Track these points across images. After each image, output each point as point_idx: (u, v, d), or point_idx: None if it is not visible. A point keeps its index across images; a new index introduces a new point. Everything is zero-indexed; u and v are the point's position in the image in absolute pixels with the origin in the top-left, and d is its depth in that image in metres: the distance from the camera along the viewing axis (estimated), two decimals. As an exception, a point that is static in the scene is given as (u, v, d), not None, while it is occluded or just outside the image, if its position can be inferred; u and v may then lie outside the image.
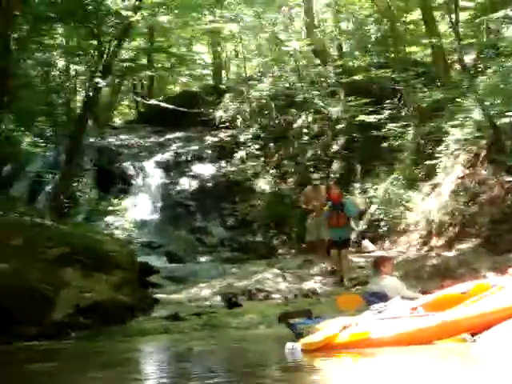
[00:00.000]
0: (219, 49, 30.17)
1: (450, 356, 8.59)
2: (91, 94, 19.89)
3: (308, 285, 15.77)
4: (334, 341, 9.07)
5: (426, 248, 17.97)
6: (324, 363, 8.77)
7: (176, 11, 23.52)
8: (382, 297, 10.05)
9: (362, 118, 21.05)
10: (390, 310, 9.45)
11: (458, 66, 21.56)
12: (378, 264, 10.99)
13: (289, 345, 9.29)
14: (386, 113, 20.85)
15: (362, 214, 19.68)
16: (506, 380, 7.12)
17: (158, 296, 15.20)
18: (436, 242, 17.90)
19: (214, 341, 11.31)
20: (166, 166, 24.82)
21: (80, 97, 23.50)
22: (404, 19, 23.57)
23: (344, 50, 26.23)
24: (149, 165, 24.76)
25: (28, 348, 11.11)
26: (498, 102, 17.07)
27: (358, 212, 18.36)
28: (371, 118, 20.76)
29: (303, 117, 24.07)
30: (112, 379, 8.53)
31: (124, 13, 19.48)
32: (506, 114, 16.48)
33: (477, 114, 17.53)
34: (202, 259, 21.02)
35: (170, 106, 26.88)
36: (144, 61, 29.12)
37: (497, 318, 8.94)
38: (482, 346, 8.66)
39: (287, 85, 25.07)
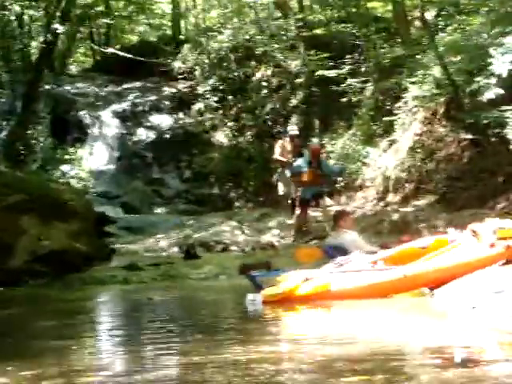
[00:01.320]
0: (178, -2, 29.72)
1: (408, 309, 8.69)
2: (49, 40, 19.51)
3: (266, 238, 15.82)
4: (294, 292, 9.12)
5: (382, 204, 18.09)
6: (284, 314, 8.83)
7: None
8: (342, 250, 10.11)
9: (321, 72, 20.93)
10: (351, 264, 9.52)
11: (418, 23, 21.57)
12: (338, 218, 11.06)
13: (250, 296, 9.33)
14: (346, 68, 20.76)
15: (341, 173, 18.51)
16: (462, 333, 7.24)
17: (115, 246, 15.13)
18: (392, 198, 18.03)
19: (173, 291, 11.33)
20: (122, 116, 24.58)
21: (37, 43, 23.03)
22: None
23: (305, 4, 26.00)
24: (105, 114, 24.50)
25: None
26: (458, 59, 17.13)
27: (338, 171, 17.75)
28: (331, 73, 20.65)
29: (262, 70, 23.93)
30: (69, 326, 8.49)
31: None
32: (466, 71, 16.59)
33: (436, 71, 17.58)
34: (158, 211, 21.00)
35: (128, 55, 26.51)
36: (102, 8, 28.67)
37: (455, 272, 9.07)
38: (440, 301, 8.78)
39: (247, 37, 24.83)
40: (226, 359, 5.78)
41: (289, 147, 16.97)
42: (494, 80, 14.98)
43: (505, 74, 14.42)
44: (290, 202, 16.73)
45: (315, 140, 19.78)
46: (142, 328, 8.30)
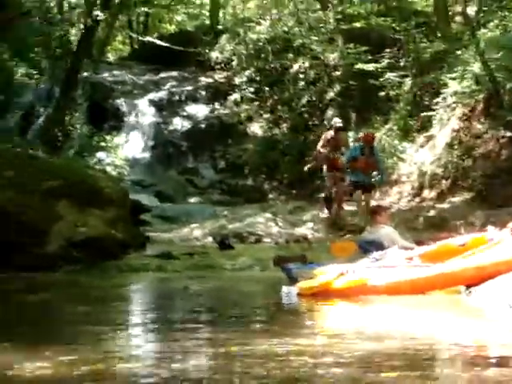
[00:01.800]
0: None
1: (445, 306, 8.64)
2: (89, 25, 19.57)
3: (299, 230, 15.79)
4: (330, 286, 9.08)
5: (417, 199, 17.99)
6: (320, 308, 8.80)
7: None
8: (378, 245, 10.06)
9: (360, 66, 20.84)
10: (388, 259, 9.47)
11: (459, 18, 21.41)
12: (375, 213, 11.01)
13: (285, 288, 9.32)
14: (385, 62, 20.67)
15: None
16: (500, 331, 7.17)
17: (150, 234, 15.17)
18: (428, 193, 17.92)
19: (208, 281, 11.34)
20: (159, 105, 24.61)
21: (76, 30, 23.12)
22: (407, -33, 23.31)
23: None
24: (142, 103, 24.55)
25: (22, 278, 11.11)
26: (499, 55, 16.98)
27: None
28: (370, 67, 20.56)
29: (300, 62, 23.85)
30: (104, 313, 8.53)
31: None
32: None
33: (476, 67, 17.43)
34: (192, 200, 21.02)
35: (166, 44, 26.58)
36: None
37: (493, 271, 8.98)
38: (477, 299, 8.70)
39: (285, 29, 24.77)
40: (263, 351, 5.76)
41: (331, 140, 16.53)
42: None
43: None
44: (324, 196, 16.65)
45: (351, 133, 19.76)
46: (178, 317, 8.33)
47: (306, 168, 17.88)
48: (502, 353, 5.97)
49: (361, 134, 17.41)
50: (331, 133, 16.78)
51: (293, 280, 9.78)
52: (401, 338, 6.67)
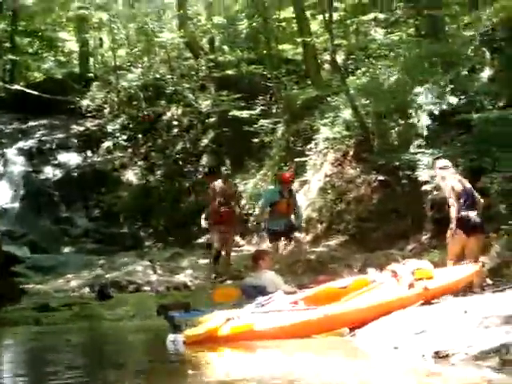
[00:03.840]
0: (87, 36, 29.44)
1: (329, 349, 8.68)
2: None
3: (179, 278, 15.65)
4: (216, 333, 9.01)
5: (293, 243, 18.13)
6: (206, 355, 8.69)
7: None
8: (261, 290, 10.08)
9: (234, 113, 21.04)
10: (273, 304, 9.49)
11: (327, 66, 21.99)
12: (257, 258, 11.01)
13: (171, 336, 9.18)
14: (258, 109, 20.97)
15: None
16: (383, 373, 7.27)
17: (24, 286, 14.69)
18: (303, 237, 18.11)
19: (89, 332, 11.04)
20: (28, 154, 24.17)
21: None
22: (277, 16, 23.81)
23: (216, 44, 26.19)
24: (10, 152, 24.06)
25: None
26: (368, 102, 17.49)
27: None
28: (244, 114, 20.78)
29: (173, 109, 23.92)
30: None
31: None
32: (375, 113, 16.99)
33: (347, 114, 17.87)
34: (66, 250, 20.59)
35: (34, 92, 26.16)
36: (7, 44, 28.26)
37: (375, 313, 9.14)
38: (361, 341, 8.81)
39: (157, 76, 24.84)
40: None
41: (222, 189, 15.83)
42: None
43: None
44: (213, 251, 15.88)
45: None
46: (57, 373, 7.96)
47: (203, 224, 17.31)
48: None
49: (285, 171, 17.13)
50: (220, 183, 16.05)
51: (177, 328, 9.62)
52: (287, 382, 6.67)
